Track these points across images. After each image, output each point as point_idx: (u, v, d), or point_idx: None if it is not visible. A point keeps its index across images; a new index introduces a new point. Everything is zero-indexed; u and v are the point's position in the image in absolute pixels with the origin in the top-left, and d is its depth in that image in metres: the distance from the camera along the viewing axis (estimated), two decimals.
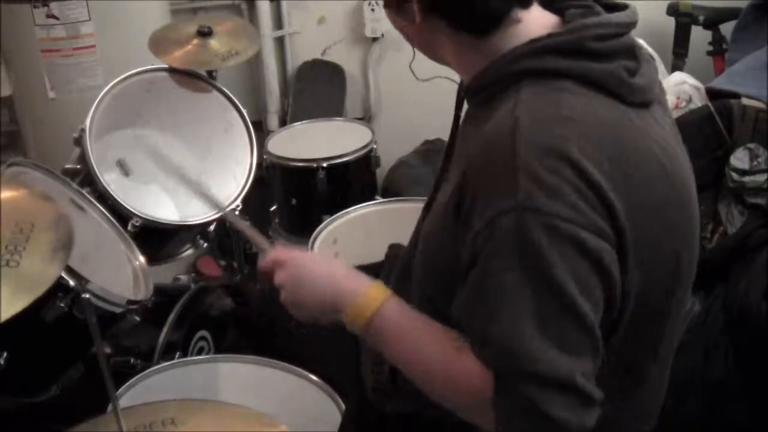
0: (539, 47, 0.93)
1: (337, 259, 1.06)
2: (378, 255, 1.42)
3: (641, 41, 1.03)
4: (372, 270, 1.40)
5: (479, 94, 0.99)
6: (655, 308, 0.98)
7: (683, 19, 2.74)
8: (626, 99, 0.93)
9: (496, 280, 0.86)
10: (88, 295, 1.23)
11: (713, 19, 2.70)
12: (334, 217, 1.97)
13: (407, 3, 0.97)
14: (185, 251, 1.99)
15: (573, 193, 0.84)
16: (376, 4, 2.97)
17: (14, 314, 0.77)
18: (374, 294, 0.99)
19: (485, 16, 0.95)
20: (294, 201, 2.31)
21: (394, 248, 1.38)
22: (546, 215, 0.83)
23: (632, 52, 0.96)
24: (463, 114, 1.10)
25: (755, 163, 1.83)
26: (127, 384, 1.35)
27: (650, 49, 2.54)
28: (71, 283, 1.35)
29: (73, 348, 1.48)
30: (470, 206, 0.90)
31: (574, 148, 0.86)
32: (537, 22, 0.96)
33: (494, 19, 0.95)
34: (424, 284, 1.07)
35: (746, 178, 1.84)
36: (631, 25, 0.97)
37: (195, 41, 1.98)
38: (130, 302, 1.50)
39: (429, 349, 0.95)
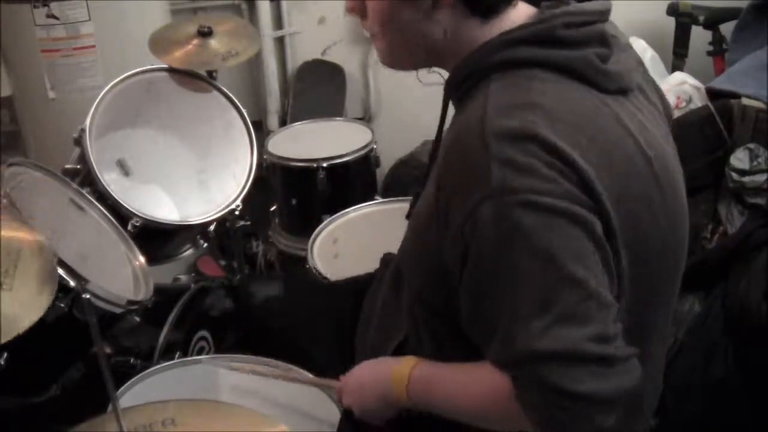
0: (511, 39, 0.94)
1: (367, 368, 1.16)
2: (378, 255, 1.42)
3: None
4: (363, 281, 1.42)
5: (458, 89, 1.00)
6: (648, 291, 0.98)
7: (683, 19, 2.74)
8: (601, 85, 0.94)
9: (488, 271, 0.87)
10: (88, 296, 1.23)
11: (713, 19, 2.70)
12: (334, 217, 1.97)
13: None
14: (185, 251, 1.99)
15: (546, 168, 0.85)
16: None
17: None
18: (402, 367, 1.06)
19: None
20: (294, 201, 2.31)
21: (387, 257, 1.38)
22: (522, 192, 0.83)
23: (604, 39, 0.97)
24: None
25: (755, 163, 1.83)
26: (127, 384, 1.35)
27: (650, 49, 2.55)
28: (71, 283, 1.35)
29: (73, 348, 1.48)
30: (446, 205, 0.90)
31: (546, 130, 0.86)
32: (518, 12, 0.98)
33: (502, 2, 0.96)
34: (416, 286, 1.07)
35: (746, 178, 1.84)
36: (605, 12, 0.99)
37: (195, 41, 1.98)
38: (130, 302, 1.50)
39: (463, 381, 0.99)
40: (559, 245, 0.84)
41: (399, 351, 1.14)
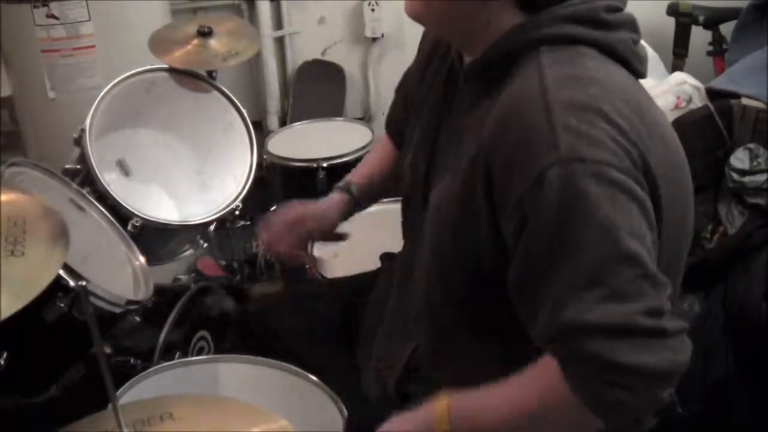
0: (558, 15, 0.94)
1: (402, 419, 1.02)
2: (378, 256, 1.42)
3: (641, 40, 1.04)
4: (363, 280, 1.42)
5: (491, 67, 0.98)
6: (668, 267, 0.97)
7: (683, 19, 2.73)
8: (636, 69, 0.97)
9: (547, 238, 0.85)
10: (88, 295, 1.23)
11: (713, 19, 2.69)
12: None
13: None
14: (185, 251, 1.99)
15: (612, 142, 0.85)
16: (376, 4, 2.98)
17: (25, 304, 0.79)
18: (437, 405, 0.98)
19: None
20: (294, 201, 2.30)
21: (387, 257, 1.38)
22: (592, 163, 0.83)
23: (635, 25, 0.99)
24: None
25: (755, 163, 1.83)
26: (127, 384, 1.34)
27: (650, 49, 2.54)
28: (71, 283, 1.35)
29: (73, 348, 1.48)
30: (505, 175, 0.88)
31: (608, 106, 0.87)
32: None
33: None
34: (439, 281, 1.05)
35: (746, 178, 1.84)
36: (625, 1, 1.01)
37: (195, 41, 1.98)
38: (130, 302, 1.50)
39: (509, 392, 0.93)
40: (620, 220, 0.83)
41: (411, 359, 1.13)
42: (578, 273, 0.83)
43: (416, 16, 1.03)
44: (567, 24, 0.94)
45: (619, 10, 0.98)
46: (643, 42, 1.03)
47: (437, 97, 1.12)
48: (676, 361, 0.84)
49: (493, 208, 0.91)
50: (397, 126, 1.37)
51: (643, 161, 0.87)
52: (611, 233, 0.82)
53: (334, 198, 1.39)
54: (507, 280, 0.92)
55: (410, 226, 1.21)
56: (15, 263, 0.81)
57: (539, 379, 0.90)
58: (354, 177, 1.43)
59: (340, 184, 1.42)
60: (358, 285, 1.42)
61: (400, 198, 1.27)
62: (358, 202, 1.41)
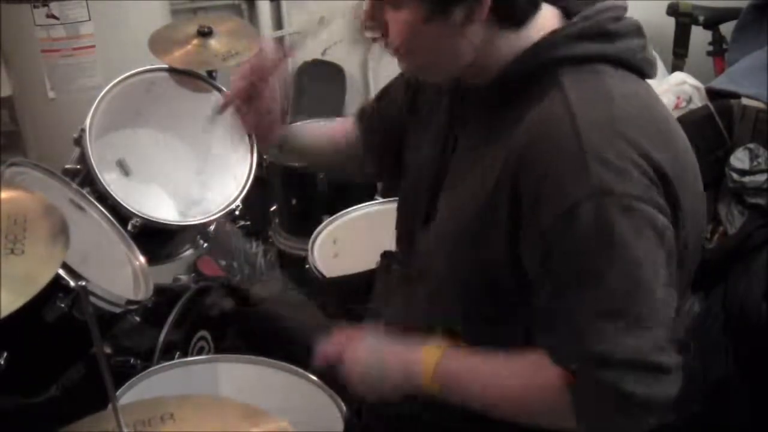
0: (567, 35, 0.95)
1: (388, 340, 1.08)
2: (377, 256, 1.42)
3: None
4: (361, 279, 1.42)
5: (506, 90, 0.98)
6: (683, 283, 1.01)
7: (683, 19, 2.74)
8: (646, 73, 0.98)
9: (575, 269, 0.88)
10: (88, 295, 1.23)
11: (713, 19, 2.70)
12: (334, 217, 1.97)
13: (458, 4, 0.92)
14: (185, 251, 1.99)
15: (638, 172, 0.87)
16: None
17: (24, 304, 0.79)
18: (431, 348, 1.02)
19: (529, 4, 0.96)
20: (294, 201, 2.31)
21: (387, 256, 1.38)
22: (621, 196, 0.86)
23: (641, 30, 1.00)
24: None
25: (755, 163, 1.83)
26: (127, 384, 1.35)
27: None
28: (71, 283, 1.35)
29: (73, 348, 1.48)
30: (534, 201, 0.90)
31: (632, 128, 0.89)
32: (545, 14, 0.98)
33: (534, 7, 0.96)
34: (451, 286, 1.06)
35: (746, 178, 1.84)
36: (627, 7, 1.01)
37: (195, 41, 1.98)
38: (130, 302, 1.50)
39: (503, 374, 0.98)
40: (644, 254, 0.87)
41: None
42: (601, 304, 0.87)
43: (414, 73, 1.07)
44: (579, 42, 0.95)
45: (622, 17, 0.99)
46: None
47: (442, 117, 1.12)
48: (671, 395, 0.89)
49: (514, 228, 0.93)
50: (367, 122, 1.38)
51: (667, 187, 0.90)
52: (635, 268, 0.86)
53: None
54: (524, 298, 0.95)
55: (407, 237, 1.22)
56: (15, 261, 0.82)
57: (541, 377, 0.94)
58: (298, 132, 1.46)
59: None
60: (357, 284, 1.42)
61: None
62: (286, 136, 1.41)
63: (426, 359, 1.01)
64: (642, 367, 0.87)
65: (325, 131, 1.46)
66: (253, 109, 1.28)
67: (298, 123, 1.44)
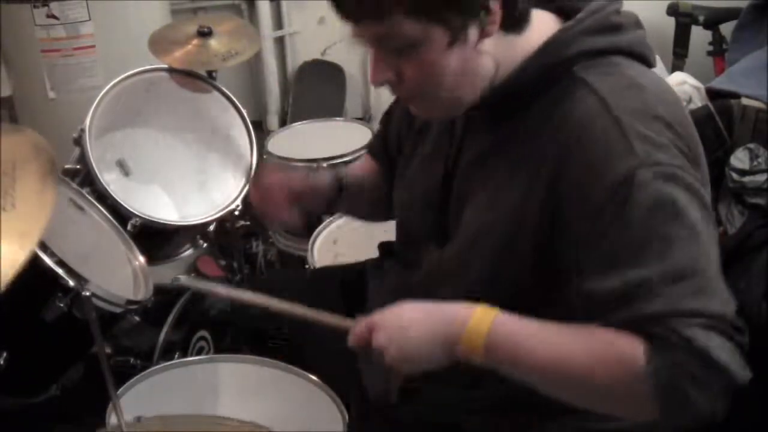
0: (577, 31, 0.96)
1: (420, 307, 0.97)
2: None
3: None
4: (358, 269, 1.41)
5: (518, 93, 0.98)
6: None
7: (683, 19, 2.73)
8: (651, 63, 1.01)
9: (637, 237, 0.87)
10: (88, 294, 1.23)
11: (713, 19, 2.69)
12: (334, 217, 1.97)
13: (472, 21, 0.91)
14: (185, 251, 1.99)
15: (674, 147, 0.90)
16: None
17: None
18: (482, 312, 0.93)
19: (527, 8, 0.96)
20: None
21: (385, 247, 1.37)
22: (668, 166, 0.88)
23: (639, 21, 1.03)
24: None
25: (755, 163, 1.83)
26: (127, 384, 1.35)
27: None
28: (71, 283, 1.35)
29: (73, 348, 1.48)
30: (578, 189, 0.90)
31: (661, 110, 0.91)
32: (541, 17, 0.99)
33: (529, 12, 0.97)
34: (480, 285, 1.03)
35: (746, 178, 1.83)
36: (622, 1, 1.03)
37: (195, 41, 1.98)
38: (130, 302, 1.50)
39: (566, 345, 0.89)
40: (699, 220, 0.88)
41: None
42: (670, 266, 0.86)
43: (447, 115, 1.05)
44: (591, 37, 0.96)
45: (621, 10, 1.01)
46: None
47: (442, 132, 1.12)
48: (745, 379, 0.87)
49: (550, 228, 0.94)
50: (382, 154, 1.35)
51: (695, 163, 0.94)
52: (695, 231, 0.87)
53: (326, 177, 1.33)
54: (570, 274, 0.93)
55: (412, 246, 1.19)
56: (7, 219, 0.79)
57: (613, 346, 0.86)
58: (349, 170, 1.40)
59: (335, 171, 1.36)
60: (350, 274, 1.41)
61: None
62: (341, 188, 1.33)
63: (481, 316, 0.92)
64: (722, 326, 0.85)
65: (371, 171, 1.40)
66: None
67: (350, 172, 1.37)
